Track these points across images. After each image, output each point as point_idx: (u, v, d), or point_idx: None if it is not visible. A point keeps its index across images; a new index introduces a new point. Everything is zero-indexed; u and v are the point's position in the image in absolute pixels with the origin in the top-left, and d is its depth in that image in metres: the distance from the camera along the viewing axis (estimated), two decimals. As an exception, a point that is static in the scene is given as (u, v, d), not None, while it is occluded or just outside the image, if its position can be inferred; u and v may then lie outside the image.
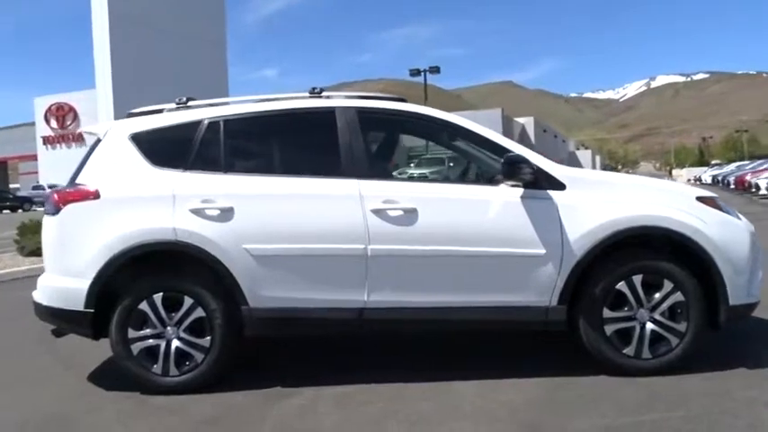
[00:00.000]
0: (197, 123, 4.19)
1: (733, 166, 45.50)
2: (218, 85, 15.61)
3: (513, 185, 3.93)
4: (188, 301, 3.98)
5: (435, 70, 42.46)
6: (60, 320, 4.14)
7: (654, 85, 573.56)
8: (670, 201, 4.02)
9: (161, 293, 3.99)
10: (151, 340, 4.01)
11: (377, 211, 3.91)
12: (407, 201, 3.92)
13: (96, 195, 4.04)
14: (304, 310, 3.97)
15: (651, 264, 3.93)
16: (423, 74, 41.90)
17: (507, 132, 57.16)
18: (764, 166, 29.88)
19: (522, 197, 3.93)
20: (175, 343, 4.00)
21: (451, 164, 9.98)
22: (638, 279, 3.92)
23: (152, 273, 4.05)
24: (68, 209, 4.05)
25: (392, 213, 3.91)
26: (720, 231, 3.94)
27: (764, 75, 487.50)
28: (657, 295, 3.92)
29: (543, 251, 3.88)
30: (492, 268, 3.93)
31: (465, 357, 4.56)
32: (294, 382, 4.07)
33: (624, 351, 3.93)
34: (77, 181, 4.15)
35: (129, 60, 12.49)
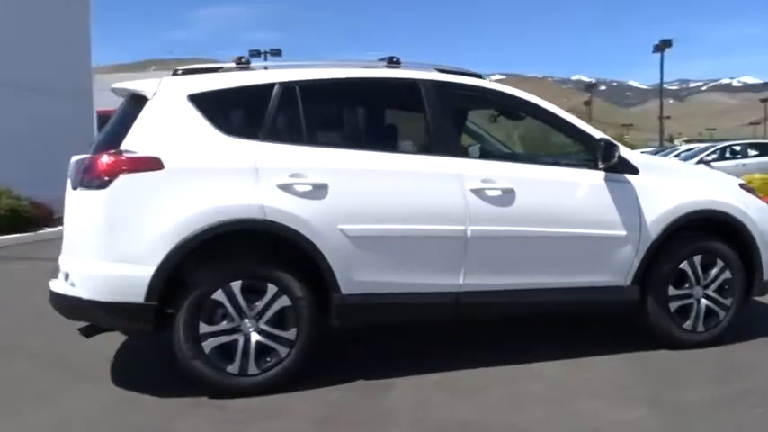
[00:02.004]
0: (268, 87, 3.68)
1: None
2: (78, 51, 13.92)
3: (602, 169, 3.99)
4: (272, 289, 3.50)
5: (276, 52, 41.54)
6: (111, 316, 3.42)
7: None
8: (722, 187, 4.37)
9: (240, 281, 3.46)
10: (227, 335, 3.47)
11: (476, 191, 3.75)
12: (505, 181, 3.81)
13: (159, 165, 3.39)
14: (399, 296, 3.69)
15: (709, 245, 4.23)
16: (264, 56, 40.78)
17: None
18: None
19: (605, 180, 4.01)
20: (255, 337, 3.50)
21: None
22: (697, 259, 4.19)
23: (229, 257, 3.50)
24: (123, 181, 3.35)
25: (490, 193, 3.77)
26: (759, 215, 4.35)
27: (549, 79, 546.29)
28: (712, 273, 4.23)
29: (624, 233, 4.00)
30: (579, 249, 3.97)
31: (527, 339, 4.52)
32: (376, 374, 3.77)
33: (684, 326, 4.20)
34: (125, 147, 3.44)
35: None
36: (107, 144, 3.62)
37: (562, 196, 3.94)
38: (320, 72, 3.85)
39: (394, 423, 3.17)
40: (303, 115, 3.68)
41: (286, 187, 3.48)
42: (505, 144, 4.76)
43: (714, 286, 4.25)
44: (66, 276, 3.46)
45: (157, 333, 3.48)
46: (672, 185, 4.16)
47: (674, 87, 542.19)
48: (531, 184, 3.87)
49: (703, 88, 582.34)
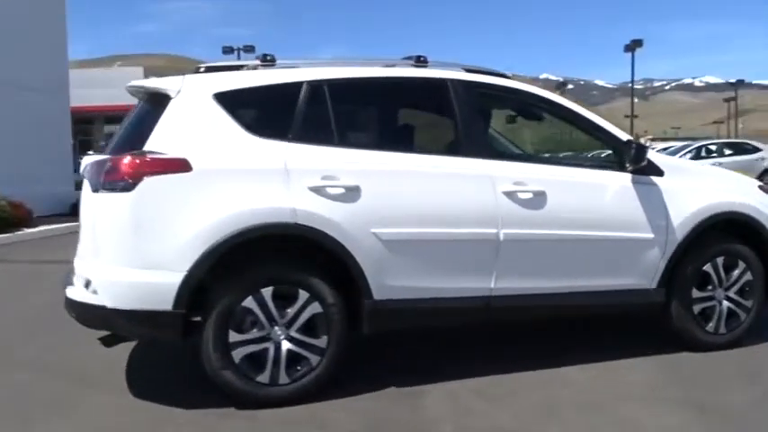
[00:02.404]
0: (296, 86, 3.55)
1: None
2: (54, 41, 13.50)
3: (630, 171, 3.95)
4: (303, 296, 3.38)
5: (250, 49, 41.04)
6: (136, 325, 3.26)
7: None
8: (743, 189, 4.37)
9: (271, 287, 3.33)
10: (257, 344, 3.34)
11: (508, 194, 3.68)
12: (536, 183, 3.75)
13: (186, 167, 3.24)
14: (431, 301, 3.61)
15: (732, 247, 4.22)
16: (237, 52, 40.27)
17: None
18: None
19: (632, 182, 3.97)
20: (286, 345, 3.38)
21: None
22: (720, 261, 4.19)
23: (259, 262, 3.37)
24: (149, 183, 3.19)
25: (522, 196, 3.71)
26: None
27: (517, 78, 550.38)
28: (734, 275, 4.23)
29: (652, 235, 3.97)
30: (608, 252, 3.93)
31: (552, 343, 4.47)
32: (405, 381, 3.68)
33: (707, 328, 4.20)
34: (149, 148, 3.28)
35: None
36: (127, 144, 3.46)
37: (592, 198, 3.90)
38: (348, 71, 3.72)
39: (434, 430, 3.09)
40: (332, 115, 3.56)
41: (318, 189, 3.37)
42: (532, 146, 4.70)
43: (736, 288, 4.25)
44: (87, 284, 3.28)
45: (183, 341, 3.34)
46: (696, 187, 4.15)
47: (639, 86, 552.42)
48: (561, 187, 3.82)
49: (667, 87, 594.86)
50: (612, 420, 3.19)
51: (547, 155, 4.89)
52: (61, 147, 14.16)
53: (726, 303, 4.23)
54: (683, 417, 3.20)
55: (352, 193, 3.41)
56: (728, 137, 56.79)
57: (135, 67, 48.65)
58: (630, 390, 3.59)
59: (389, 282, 3.49)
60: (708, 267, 4.16)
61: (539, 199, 3.73)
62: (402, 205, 3.51)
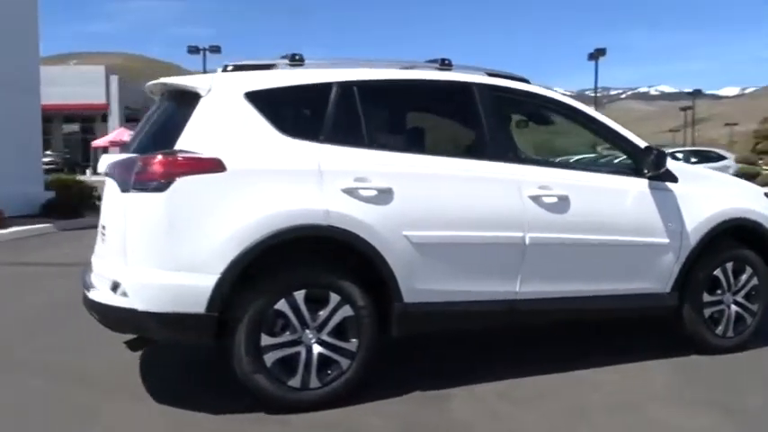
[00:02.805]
0: (326, 87, 3.51)
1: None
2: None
3: (648, 177, 4.02)
4: (334, 299, 3.34)
5: (216, 49, 40.50)
6: (168, 328, 3.17)
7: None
8: (751, 196, 4.49)
9: (303, 290, 3.28)
10: (289, 348, 3.28)
11: (534, 198, 3.71)
12: (560, 187, 3.78)
13: (220, 166, 3.17)
14: (459, 304, 3.61)
15: (740, 252, 4.33)
16: (203, 52, 39.70)
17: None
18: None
19: (650, 188, 4.05)
20: (317, 349, 3.33)
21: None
22: (729, 266, 4.29)
23: (293, 265, 3.31)
24: (183, 183, 3.11)
25: (547, 200, 3.74)
26: None
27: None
28: (742, 280, 4.34)
29: (668, 240, 4.05)
30: (626, 257, 3.99)
31: (569, 345, 4.51)
32: (429, 384, 3.66)
33: (716, 331, 4.29)
34: (181, 147, 3.19)
35: None
36: (154, 144, 3.38)
37: (612, 204, 3.95)
38: (378, 72, 3.70)
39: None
40: (362, 116, 3.53)
41: (351, 191, 3.33)
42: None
43: (743, 292, 4.36)
44: (115, 286, 3.18)
45: (216, 344, 3.26)
46: (708, 194, 4.25)
47: (596, 94, 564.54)
48: (584, 191, 3.86)
49: (622, 96, 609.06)
50: (645, 422, 3.23)
51: (566, 159, 4.93)
52: (32, 146, 13.70)
53: (734, 307, 4.34)
54: (712, 418, 3.27)
55: (384, 195, 3.38)
56: (684, 145, 58.39)
57: (95, 65, 47.46)
58: (655, 392, 3.64)
59: (419, 285, 3.48)
60: (718, 272, 4.26)
61: (563, 203, 3.77)
62: (433, 208, 3.50)
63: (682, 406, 3.44)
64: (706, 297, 4.24)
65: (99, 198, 13.49)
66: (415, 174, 3.50)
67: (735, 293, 4.34)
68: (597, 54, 39.08)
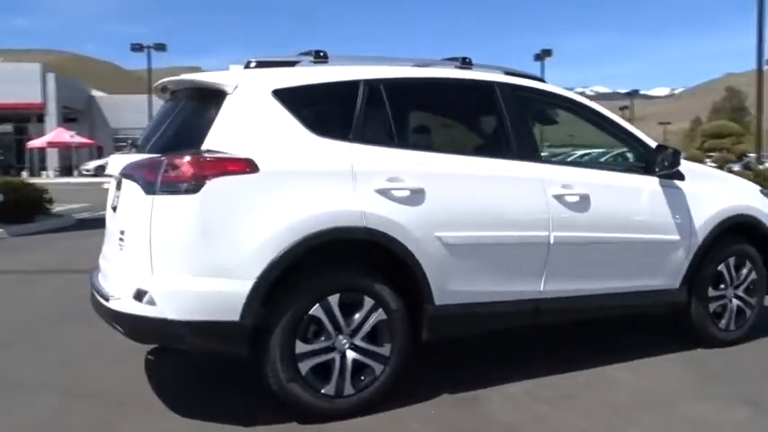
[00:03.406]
0: (353, 84, 3.41)
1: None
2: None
3: (659, 175, 4.08)
4: (368, 302, 3.25)
5: (161, 47, 39.45)
6: (201, 337, 3.01)
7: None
8: (749, 193, 4.63)
9: (338, 294, 3.18)
10: (324, 354, 3.17)
11: (557, 197, 3.71)
12: (581, 186, 3.80)
13: (253, 167, 3.03)
14: (487, 305, 3.57)
15: (742, 247, 4.46)
16: (147, 50, 38.59)
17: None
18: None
19: (661, 186, 4.11)
20: (351, 354, 3.23)
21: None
22: (731, 261, 4.41)
23: (327, 269, 3.20)
24: (216, 185, 2.95)
25: (569, 199, 3.75)
26: None
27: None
28: (742, 274, 4.47)
29: (678, 237, 4.12)
30: (642, 254, 4.05)
31: (577, 346, 4.51)
32: (455, 387, 3.61)
33: (720, 325, 4.41)
34: (209, 147, 3.04)
35: None
36: (176, 143, 3.21)
37: (629, 202, 4.00)
38: (404, 70, 3.63)
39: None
40: (392, 115, 3.45)
41: (384, 192, 3.25)
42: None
43: (743, 287, 4.48)
44: (140, 294, 2.99)
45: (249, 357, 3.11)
46: (713, 191, 4.35)
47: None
48: (602, 190, 3.89)
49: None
50: (683, 419, 3.25)
51: (589, 159, 4.96)
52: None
53: (735, 301, 4.46)
54: (744, 412, 3.32)
55: (416, 196, 3.31)
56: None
57: (30, 63, 45.33)
58: (677, 388, 3.69)
59: (450, 286, 3.42)
60: (722, 267, 4.37)
61: (584, 202, 3.79)
62: (463, 208, 3.45)
63: (711, 401, 3.48)
64: (711, 292, 4.34)
65: (51, 201, 12.95)
66: (445, 174, 3.45)
67: (736, 288, 4.46)
68: (543, 55, 39.98)
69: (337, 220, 3.13)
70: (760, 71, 20.79)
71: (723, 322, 4.41)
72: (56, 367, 4.01)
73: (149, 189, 3.02)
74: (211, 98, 3.21)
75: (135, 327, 3.04)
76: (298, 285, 3.10)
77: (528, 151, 3.74)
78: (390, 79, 3.53)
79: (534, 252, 3.66)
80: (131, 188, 3.19)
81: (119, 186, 3.56)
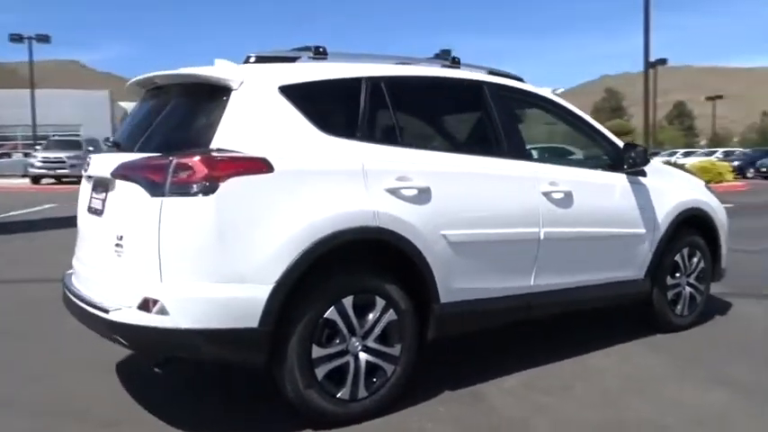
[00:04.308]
0: (356, 81, 3.35)
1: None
2: None
3: (627, 172, 4.31)
4: (380, 303, 3.21)
5: (44, 39, 36.65)
6: (217, 346, 2.84)
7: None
8: (697, 187, 4.98)
9: (351, 296, 3.12)
10: (339, 358, 3.11)
11: (546, 194, 3.83)
12: (565, 183, 3.94)
13: (268, 167, 2.91)
14: (486, 302, 3.62)
15: (693, 239, 4.79)
16: (28, 41, 35.73)
17: (113, 115, 53.23)
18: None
19: (630, 182, 4.35)
20: (364, 357, 3.18)
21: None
22: (686, 251, 4.74)
23: (341, 270, 3.12)
24: (231, 185, 2.81)
25: (555, 196, 3.88)
26: (720, 212, 5.04)
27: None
28: (693, 263, 4.81)
29: (644, 230, 4.38)
30: (616, 247, 4.26)
31: (544, 338, 4.65)
32: (453, 383, 3.64)
33: (676, 311, 4.73)
34: (219, 146, 2.88)
35: None
36: (174, 142, 3.02)
37: (605, 198, 4.20)
38: (405, 69, 3.64)
39: (532, 428, 3.14)
40: (398, 113, 3.44)
41: (394, 191, 3.22)
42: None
43: (695, 275, 4.83)
44: (148, 304, 2.78)
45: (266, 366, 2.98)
46: (670, 186, 4.65)
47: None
48: (582, 186, 4.05)
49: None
50: (671, 402, 3.44)
51: (568, 156, 5.11)
52: None
53: (688, 289, 4.79)
54: (722, 393, 3.55)
55: (423, 195, 3.31)
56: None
57: None
58: (658, 372, 3.89)
59: (454, 284, 3.45)
60: (678, 257, 4.69)
61: (567, 199, 3.93)
62: (467, 207, 3.50)
63: (693, 383, 3.70)
64: (669, 280, 4.64)
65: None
66: (449, 173, 3.47)
67: (689, 276, 4.80)
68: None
69: (353, 220, 3.07)
70: (647, 71, 22.36)
71: (678, 308, 4.73)
72: (24, 384, 3.65)
73: (156, 191, 2.82)
74: (212, 94, 3.04)
75: (143, 338, 2.83)
76: (314, 288, 3.01)
77: (519, 150, 3.84)
78: (388, 76, 3.50)
79: (527, 248, 3.76)
80: (129, 190, 2.96)
81: (99, 188, 3.31)
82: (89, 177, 3.49)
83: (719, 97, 62.15)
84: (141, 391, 3.56)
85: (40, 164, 24.44)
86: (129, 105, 62.10)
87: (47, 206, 15.61)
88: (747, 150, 40.86)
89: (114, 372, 3.80)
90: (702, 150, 43.57)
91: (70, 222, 3.93)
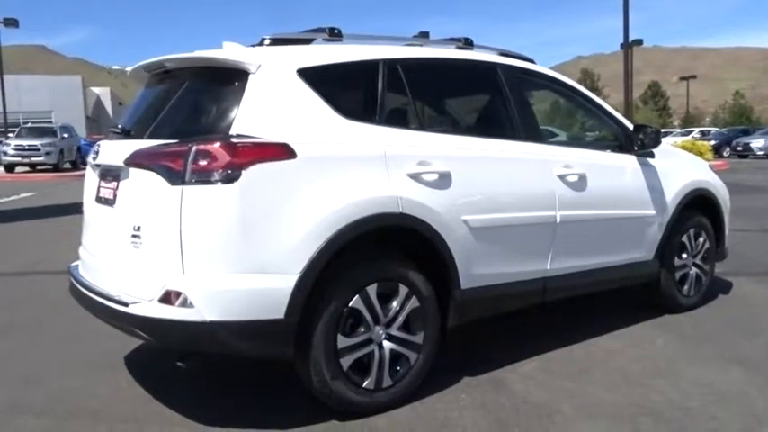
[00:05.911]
0: (373, 64, 3.27)
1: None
2: None
3: (636, 153, 4.29)
4: (403, 290, 3.16)
5: (12, 23, 35.56)
6: (245, 339, 2.76)
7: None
8: (702, 168, 4.99)
9: (375, 284, 3.05)
10: (364, 347, 3.05)
11: (561, 177, 3.80)
12: (579, 166, 3.91)
13: (290, 153, 2.81)
14: (505, 286, 3.59)
15: (699, 219, 4.81)
16: (-4, 25, 34.66)
17: (85, 101, 52.06)
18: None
19: (639, 164, 4.33)
20: (388, 345, 3.13)
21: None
22: (692, 232, 4.76)
23: (365, 257, 3.06)
24: (255, 172, 2.71)
25: (570, 179, 3.84)
26: (723, 192, 5.06)
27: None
28: (699, 243, 4.83)
29: (654, 211, 4.38)
30: (627, 229, 4.26)
31: (553, 321, 4.63)
32: (467, 369, 3.61)
33: (683, 292, 4.75)
34: (238, 132, 2.78)
35: None
36: (191, 127, 2.93)
37: (617, 179, 4.18)
38: (421, 51, 3.58)
39: (558, 412, 3.11)
40: (410, 96, 3.36)
41: (415, 177, 3.15)
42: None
43: (700, 255, 4.85)
44: (170, 296, 2.69)
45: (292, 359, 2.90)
46: (678, 167, 4.65)
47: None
48: (596, 169, 4.02)
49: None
50: (692, 382, 3.45)
51: (581, 138, 5.09)
52: None
53: (694, 269, 4.82)
54: (738, 371, 3.57)
55: (444, 180, 3.25)
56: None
57: None
58: (671, 353, 3.91)
59: (474, 270, 3.41)
60: (684, 238, 4.70)
61: (582, 181, 3.90)
62: (487, 191, 3.45)
63: (707, 363, 3.71)
64: (676, 261, 4.66)
65: None
66: (468, 157, 3.41)
67: (694, 256, 4.82)
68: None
69: (377, 206, 3.00)
70: (628, 52, 22.40)
71: (685, 289, 4.75)
72: (23, 385, 3.53)
73: (176, 179, 2.72)
74: (228, 78, 2.94)
75: (166, 332, 2.74)
76: (339, 277, 2.94)
77: (534, 132, 3.80)
78: (405, 59, 3.42)
79: (545, 232, 3.73)
80: (145, 179, 2.85)
81: (108, 177, 3.19)
82: (96, 166, 3.36)
83: (693, 77, 62.64)
84: (154, 386, 3.47)
85: (13, 152, 23.86)
86: (101, 91, 61.08)
87: (23, 195, 15.26)
88: (723, 130, 41.49)
89: (109, 368, 3.68)
90: (679, 131, 44.08)
91: (55, 212, 3.80)
